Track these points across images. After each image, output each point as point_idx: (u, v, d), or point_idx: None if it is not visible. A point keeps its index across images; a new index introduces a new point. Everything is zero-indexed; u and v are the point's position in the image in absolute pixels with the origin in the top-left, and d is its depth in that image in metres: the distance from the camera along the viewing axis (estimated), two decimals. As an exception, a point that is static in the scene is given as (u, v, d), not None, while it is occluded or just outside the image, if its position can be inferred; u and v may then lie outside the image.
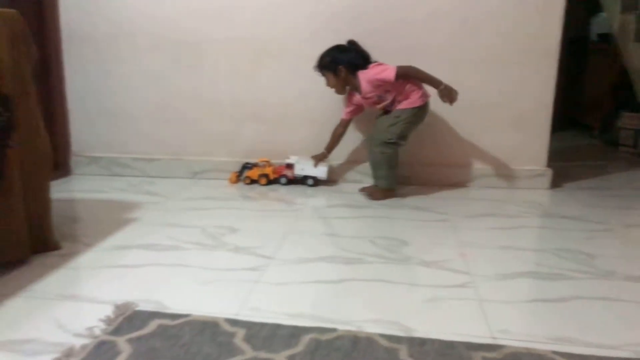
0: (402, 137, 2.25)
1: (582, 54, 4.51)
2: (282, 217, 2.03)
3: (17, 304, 1.30)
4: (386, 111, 2.33)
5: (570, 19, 2.37)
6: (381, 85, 2.22)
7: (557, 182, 2.55)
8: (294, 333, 1.16)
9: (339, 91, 2.35)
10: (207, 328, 1.17)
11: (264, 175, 2.52)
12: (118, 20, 2.59)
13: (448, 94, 2.14)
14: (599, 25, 4.50)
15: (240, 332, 1.16)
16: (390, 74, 2.17)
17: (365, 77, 2.24)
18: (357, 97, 2.34)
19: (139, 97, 2.67)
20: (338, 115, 2.46)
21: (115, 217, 2.02)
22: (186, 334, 1.15)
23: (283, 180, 2.51)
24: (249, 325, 1.19)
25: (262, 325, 1.19)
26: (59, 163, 2.69)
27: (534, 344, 1.14)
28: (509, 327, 1.21)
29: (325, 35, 2.40)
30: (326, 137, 2.48)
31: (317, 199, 2.31)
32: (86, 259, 1.59)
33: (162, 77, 2.61)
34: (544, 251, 1.69)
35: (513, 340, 1.16)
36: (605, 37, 4.26)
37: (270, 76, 2.54)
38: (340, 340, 1.13)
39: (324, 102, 2.51)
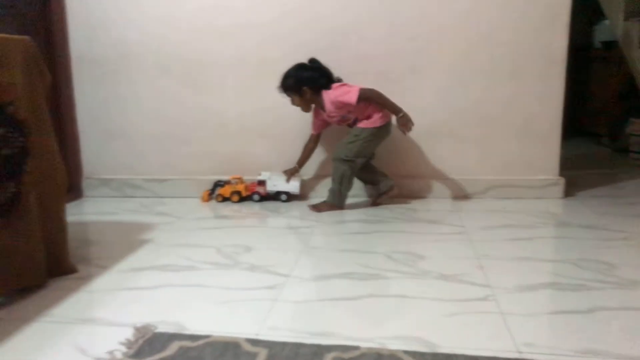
0: (359, 155, 2.29)
1: (585, 62, 4.52)
2: (296, 234, 2.03)
3: (38, 328, 1.29)
4: (351, 126, 2.39)
5: (573, 27, 2.38)
6: (344, 107, 2.27)
7: (569, 191, 2.53)
8: (317, 352, 1.14)
9: (305, 110, 2.38)
10: (229, 349, 1.16)
11: (236, 193, 2.53)
12: (126, 42, 2.62)
13: (405, 123, 2.19)
14: (601, 32, 4.52)
15: (263, 352, 1.14)
16: (352, 97, 2.21)
17: (328, 97, 2.28)
18: (322, 114, 2.39)
19: (149, 118, 2.68)
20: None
21: (129, 238, 2.01)
22: (208, 356, 1.13)
23: (256, 197, 2.53)
24: (270, 345, 1.17)
25: (284, 344, 1.17)
26: (71, 186, 2.70)
27: (560, 357, 1.12)
28: (534, 341, 1.19)
29: (330, 53, 2.41)
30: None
31: (328, 215, 2.30)
32: (102, 282, 1.58)
33: (171, 97, 2.63)
34: (563, 262, 1.67)
35: (539, 354, 1.13)
36: (609, 45, 4.27)
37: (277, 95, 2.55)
38: (364, 358, 1.11)
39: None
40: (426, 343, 1.18)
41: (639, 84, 3.48)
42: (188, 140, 2.67)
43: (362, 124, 2.29)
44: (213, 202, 2.57)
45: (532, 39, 2.37)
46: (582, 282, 1.50)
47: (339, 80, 2.34)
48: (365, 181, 2.49)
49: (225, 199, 2.56)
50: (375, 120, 2.27)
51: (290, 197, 2.52)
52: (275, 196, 2.52)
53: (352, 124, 2.34)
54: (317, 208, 2.34)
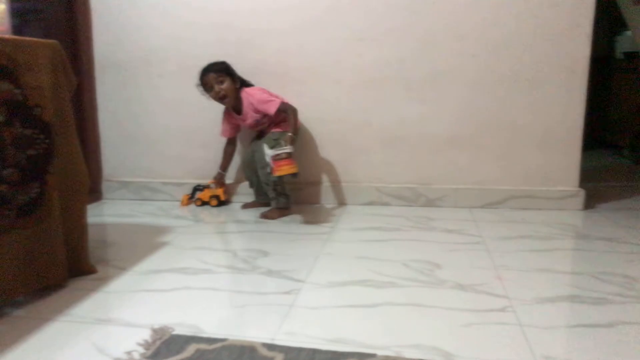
0: None
1: (607, 73, 4.46)
2: (312, 239, 2.03)
3: (57, 327, 1.31)
4: (260, 133, 2.45)
5: (595, 38, 2.35)
6: (259, 112, 2.35)
7: (589, 203, 2.50)
8: (333, 358, 1.14)
9: (231, 99, 2.39)
10: (245, 352, 1.16)
11: (214, 197, 2.56)
12: (148, 47, 2.66)
13: (289, 141, 2.16)
14: (624, 43, 4.46)
15: (279, 357, 1.14)
16: (271, 108, 2.30)
17: (248, 98, 2.36)
18: (234, 118, 2.44)
19: (168, 122, 2.72)
20: (369, 136, 2.48)
21: (147, 241, 2.04)
22: (225, 359, 1.14)
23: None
24: (286, 350, 1.17)
25: (300, 350, 1.18)
26: (91, 188, 2.74)
27: (580, 371, 1.10)
28: (553, 354, 1.17)
29: (348, 60, 2.43)
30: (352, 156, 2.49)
31: (342, 221, 2.30)
32: (121, 283, 1.60)
33: (190, 101, 2.66)
34: (583, 274, 1.65)
35: (558, 366, 1.12)
36: (631, 55, 4.22)
37: (298, 98, 2.57)
38: (380, 366, 1.11)
39: (353, 124, 2.52)
40: (442, 353, 1.17)
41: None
42: (206, 143, 2.70)
43: (279, 127, 2.37)
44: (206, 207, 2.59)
45: (553, 49, 2.35)
46: (602, 295, 1.48)
47: (251, 85, 2.45)
48: (257, 184, 2.51)
49: (204, 203, 2.59)
50: (286, 125, 2.33)
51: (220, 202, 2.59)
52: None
53: (266, 128, 2.42)
54: (268, 216, 2.34)
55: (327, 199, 2.61)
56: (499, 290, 1.51)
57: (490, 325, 1.31)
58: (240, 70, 2.56)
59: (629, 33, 4.04)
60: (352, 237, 2.07)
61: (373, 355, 1.15)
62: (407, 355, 1.16)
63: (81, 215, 1.63)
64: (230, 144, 2.59)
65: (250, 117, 2.39)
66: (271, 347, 1.19)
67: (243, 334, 1.26)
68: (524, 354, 1.17)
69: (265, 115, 2.36)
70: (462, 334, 1.27)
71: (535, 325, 1.30)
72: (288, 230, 2.19)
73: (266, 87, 2.47)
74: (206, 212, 2.50)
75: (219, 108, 2.65)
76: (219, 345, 1.20)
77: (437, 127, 2.45)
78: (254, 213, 2.45)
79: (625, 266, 1.71)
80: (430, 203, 2.52)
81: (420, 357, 1.15)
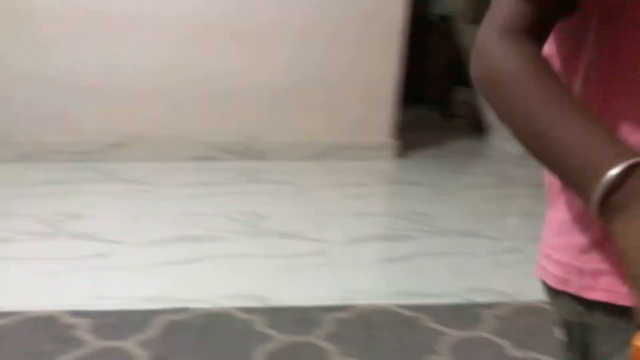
0: None
1: (425, 33, 4.89)
2: (133, 199, 1.91)
3: None
4: None
5: (414, 0, 2.52)
6: None
7: (404, 152, 2.74)
8: (146, 317, 1.10)
9: None
10: (43, 323, 1.06)
11: None
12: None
13: None
14: (439, 6, 4.91)
15: (84, 323, 1.07)
16: None
17: None
18: None
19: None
20: (196, 89, 2.38)
21: None
22: (19, 332, 1.03)
23: None
24: (93, 315, 1.10)
25: (108, 313, 1.11)
26: None
27: (383, 299, 1.23)
28: (360, 287, 1.28)
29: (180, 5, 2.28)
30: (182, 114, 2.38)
31: (168, 178, 2.20)
32: None
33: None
34: (390, 215, 1.82)
35: (362, 299, 1.23)
36: (444, 18, 4.67)
37: (117, 48, 2.33)
38: (196, 319, 1.10)
39: (181, 76, 2.39)
40: (259, 298, 1.21)
41: (464, 56, 3.87)
42: (4, 98, 2.34)
43: None
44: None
45: (374, 8, 2.46)
46: (404, 232, 1.65)
47: None
48: None
49: None
50: None
51: None
52: None
53: None
54: None
55: (153, 154, 2.47)
56: (316, 235, 1.60)
57: (305, 267, 1.38)
58: (57, 15, 2.23)
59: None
60: (177, 194, 2.00)
61: (187, 310, 1.14)
62: (223, 305, 1.17)
63: None
64: None
65: None
66: (76, 313, 1.11)
67: (46, 304, 1.15)
68: (334, 290, 1.26)
69: None
70: (279, 278, 1.32)
71: (345, 264, 1.41)
72: (105, 191, 2.03)
73: (87, 34, 2.20)
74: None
75: (18, 56, 2.30)
76: (12, 319, 1.08)
77: (266, 80, 2.45)
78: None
79: (426, 206, 1.92)
80: (259, 156, 2.53)
81: (237, 305, 1.17)
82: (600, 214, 0.31)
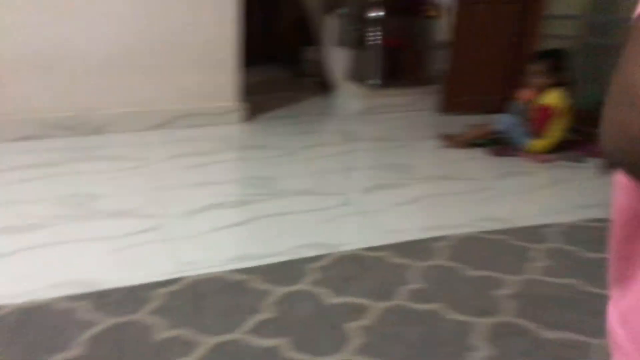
0: None
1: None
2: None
3: None
4: None
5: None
6: None
7: (252, 115, 2.75)
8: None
9: None
10: None
11: None
12: None
13: None
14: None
15: None
16: None
17: None
18: None
19: None
20: (14, 62, 2.13)
21: None
22: None
23: None
24: None
25: None
26: None
27: (216, 268, 1.26)
28: (194, 259, 1.30)
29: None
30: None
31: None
32: None
33: None
34: (230, 182, 1.85)
35: (199, 269, 1.25)
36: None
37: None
38: (6, 317, 1.04)
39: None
40: (87, 284, 1.17)
41: (310, 17, 3.94)
42: None
43: None
44: None
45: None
46: (244, 197, 1.70)
47: None
48: None
49: None
50: None
51: None
52: None
53: None
54: None
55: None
56: (151, 211, 1.57)
57: (137, 246, 1.36)
58: None
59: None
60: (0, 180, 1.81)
61: (5, 306, 1.07)
62: (45, 297, 1.11)
63: None
64: None
65: None
66: None
67: None
68: (168, 265, 1.27)
69: None
70: (112, 260, 1.29)
71: (181, 237, 1.41)
72: None
73: None
74: None
75: None
76: None
77: (95, 47, 2.27)
78: None
79: (268, 169, 1.97)
80: (97, 131, 2.37)
81: (60, 294, 1.12)
82: None
